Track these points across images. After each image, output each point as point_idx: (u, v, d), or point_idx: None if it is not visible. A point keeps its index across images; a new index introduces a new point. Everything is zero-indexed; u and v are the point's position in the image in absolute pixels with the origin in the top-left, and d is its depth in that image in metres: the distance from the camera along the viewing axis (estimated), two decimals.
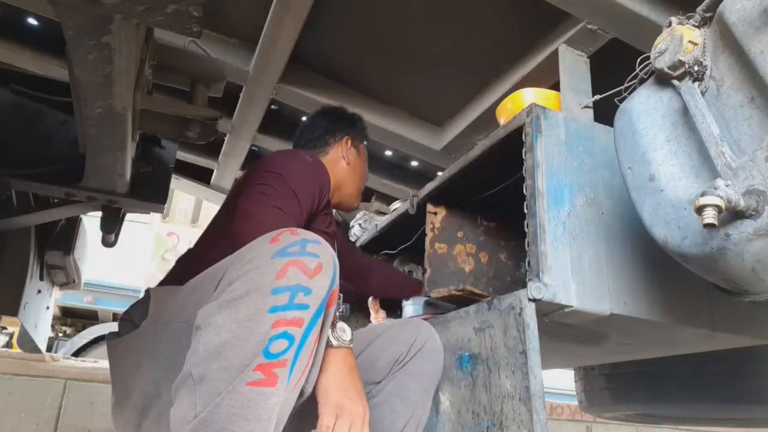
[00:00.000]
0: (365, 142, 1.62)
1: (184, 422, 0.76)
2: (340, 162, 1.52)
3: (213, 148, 2.32)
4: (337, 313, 1.49)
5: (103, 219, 1.87)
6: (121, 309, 1.22)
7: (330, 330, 0.94)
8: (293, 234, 0.84)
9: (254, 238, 0.88)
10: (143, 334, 1.03)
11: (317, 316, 0.81)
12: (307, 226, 1.26)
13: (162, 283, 1.18)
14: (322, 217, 1.35)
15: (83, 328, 5.72)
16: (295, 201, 1.18)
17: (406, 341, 1.24)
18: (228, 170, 2.48)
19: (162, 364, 0.95)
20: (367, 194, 2.51)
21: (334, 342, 0.95)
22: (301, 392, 0.85)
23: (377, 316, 1.78)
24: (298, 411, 1.18)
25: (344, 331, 0.96)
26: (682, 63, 0.90)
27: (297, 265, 0.80)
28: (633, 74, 1.07)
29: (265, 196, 1.14)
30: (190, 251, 1.27)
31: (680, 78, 0.92)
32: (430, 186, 1.61)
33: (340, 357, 0.95)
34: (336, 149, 1.53)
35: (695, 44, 0.90)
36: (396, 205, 2.05)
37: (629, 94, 1.06)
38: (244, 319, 0.77)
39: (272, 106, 2.02)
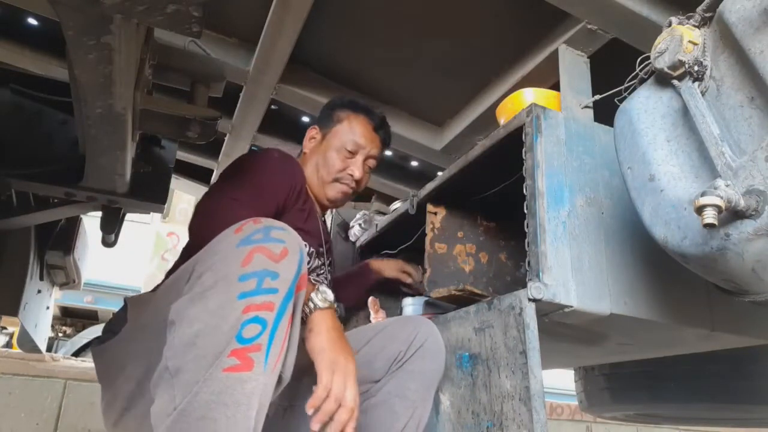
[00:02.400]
0: (340, 125, 1.50)
1: (164, 416, 0.76)
2: (304, 155, 1.53)
3: (213, 148, 2.32)
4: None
5: (103, 219, 1.87)
6: None
7: (314, 293, 0.97)
8: (256, 222, 0.86)
9: (208, 232, 0.91)
10: (124, 338, 1.05)
11: (287, 300, 0.82)
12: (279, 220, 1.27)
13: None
14: (297, 213, 1.34)
15: (83, 328, 5.72)
16: (255, 192, 1.19)
17: (405, 339, 1.23)
18: None
19: (143, 365, 0.96)
20: (367, 194, 2.51)
21: (320, 304, 0.97)
22: (280, 379, 0.85)
23: (377, 316, 1.78)
24: (289, 406, 1.19)
25: (326, 292, 0.99)
26: (682, 63, 0.90)
27: (262, 252, 0.81)
28: (633, 74, 1.07)
29: (221, 192, 1.17)
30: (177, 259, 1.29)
31: (680, 78, 0.92)
32: (430, 186, 1.61)
33: (329, 318, 0.98)
34: (305, 143, 1.54)
35: (695, 44, 0.90)
36: (396, 205, 2.05)
37: (629, 94, 1.06)
38: (215, 308, 0.78)
39: (272, 106, 2.02)
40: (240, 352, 0.77)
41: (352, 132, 1.48)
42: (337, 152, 1.46)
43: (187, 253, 1.24)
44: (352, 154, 1.47)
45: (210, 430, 0.74)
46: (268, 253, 0.82)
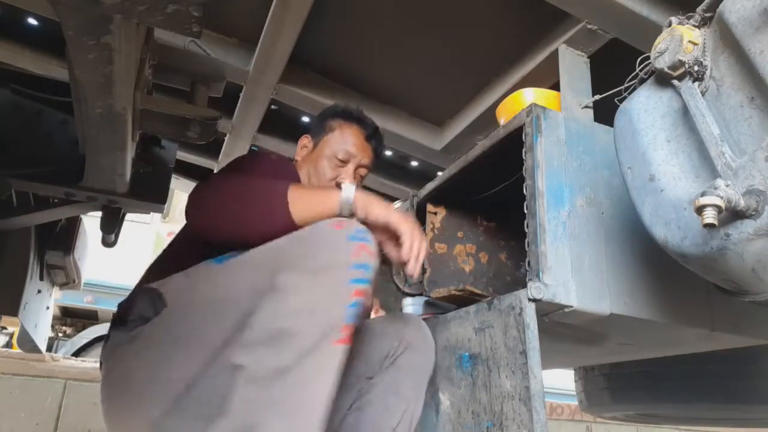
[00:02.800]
0: (331, 134, 1.48)
1: (275, 373, 0.86)
2: (296, 162, 1.51)
3: (213, 148, 2.31)
4: None
5: (103, 219, 1.87)
6: None
7: (343, 194, 1.07)
8: (356, 224, 1.01)
9: (209, 222, 1.05)
10: (167, 322, 1.04)
11: (370, 290, 0.97)
12: None
13: (144, 282, 1.17)
14: None
15: (83, 328, 5.71)
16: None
17: (395, 336, 1.25)
18: None
19: (201, 344, 0.99)
20: None
21: (351, 194, 1.08)
22: None
23: (376, 315, 1.78)
24: None
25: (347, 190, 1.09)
26: (682, 63, 0.90)
27: (366, 249, 0.96)
28: (633, 74, 1.07)
29: (218, 184, 1.16)
30: (164, 252, 1.27)
31: (680, 78, 0.92)
32: (430, 186, 1.61)
33: (364, 196, 1.10)
34: (297, 151, 1.53)
35: (695, 44, 0.90)
36: (396, 205, 2.05)
37: (629, 94, 1.06)
38: (332, 286, 0.92)
39: (272, 106, 2.02)
40: (347, 327, 0.91)
41: (344, 141, 1.46)
42: (329, 161, 1.44)
43: (185, 245, 1.22)
44: (344, 163, 1.45)
45: (317, 392, 0.87)
46: (369, 250, 0.96)
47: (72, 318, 6.08)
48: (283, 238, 1.00)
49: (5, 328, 5.07)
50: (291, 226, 1.02)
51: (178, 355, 1.02)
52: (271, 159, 1.36)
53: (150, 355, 1.04)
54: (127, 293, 1.15)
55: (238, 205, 1.06)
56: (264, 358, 0.87)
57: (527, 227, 1.17)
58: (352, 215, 1.07)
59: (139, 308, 1.09)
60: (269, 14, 1.52)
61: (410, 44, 1.71)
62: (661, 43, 0.94)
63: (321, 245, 0.95)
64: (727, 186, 0.75)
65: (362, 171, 1.49)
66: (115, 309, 1.15)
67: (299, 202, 1.05)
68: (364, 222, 1.04)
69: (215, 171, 1.35)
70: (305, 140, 1.53)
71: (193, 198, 1.13)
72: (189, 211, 1.12)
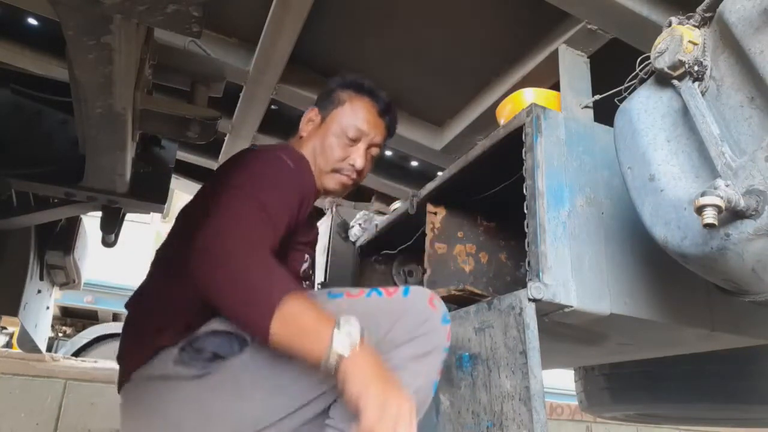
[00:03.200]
0: (341, 107, 1.33)
1: None
2: (300, 139, 1.36)
3: (213, 148, 2.31)
4: None
5: (103, 219, 1.87)
6: (121, 309, 1.20)
7: (337, 335, 0.86)
8: (442, 302, 1.07)
9: (220, 283, 0.93)
10: (254, 363, 1.00)
11: None
12: (288, 239, 1.13)
13: (144, 290, 1.14)
14: (303, 227, 1.21)
15: (83, 328, 5.70)
16: (264, 221, 1.03)
17: None
18: None
19: (291, 391, 1.01)
20: (367, 194, 2.51)
21: (347, 351, 0.85)
22: None
23: None
24: None
25: (351, 331, 0.88)
26: (682, 63, 0.90)
27: (450, 332, 1.06)
28: (633, 74, 1.07)
29: (226, 224, 0.99)
30: (161, 258, 1.18)
31: (680, 78, 0.92)
32: (430, 186, 1.61)
33: (361, 357, 0.87)
34: (302, 125, 1.38)
35: (695, 44, 0.90)
36: (396, 205, 2.05)
37: (629, 94, 1.06)
38: (431, 368, 1.03)
39: (272, 106, 2.02)
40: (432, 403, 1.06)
41: (355, 116, 1.31)
42: (337, 138, 1.29)
43: (179, 287, 1.05)
44: (354, 141, 1.30)
45: None
46: (451, 333, 1.06)
47: (72, 318, 6.08)
48: (382, 302, 1.04)
49: (5, 328, 5.07)
50: (265, 342, 0.89)
51: (264, 399, 1.00)
52: (291, 171, 1.16)
53: (229, 392, 0.99)
54: (128, 293, 1.12)
55: (228, 293, 0.93)
56: None
57: (527, 227, 1.17)
58: (335, 369, 0.86)
59: (212, 345, 1.01)
60: (269, 14, 1.52)
61: (410, 44, 1.71)
62: (661, 43, 0.94)
63: (425, 328, 1.01)
64: (727, 186, 0.75)
65: (374, 150, 1.35)
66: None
67: (285, 329, 0.87)
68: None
69: (229, 173, 1.18)
70: (312, 113, 1.37)
71: (198, 248, 0.98)
72: (198, 262, 0.97)
